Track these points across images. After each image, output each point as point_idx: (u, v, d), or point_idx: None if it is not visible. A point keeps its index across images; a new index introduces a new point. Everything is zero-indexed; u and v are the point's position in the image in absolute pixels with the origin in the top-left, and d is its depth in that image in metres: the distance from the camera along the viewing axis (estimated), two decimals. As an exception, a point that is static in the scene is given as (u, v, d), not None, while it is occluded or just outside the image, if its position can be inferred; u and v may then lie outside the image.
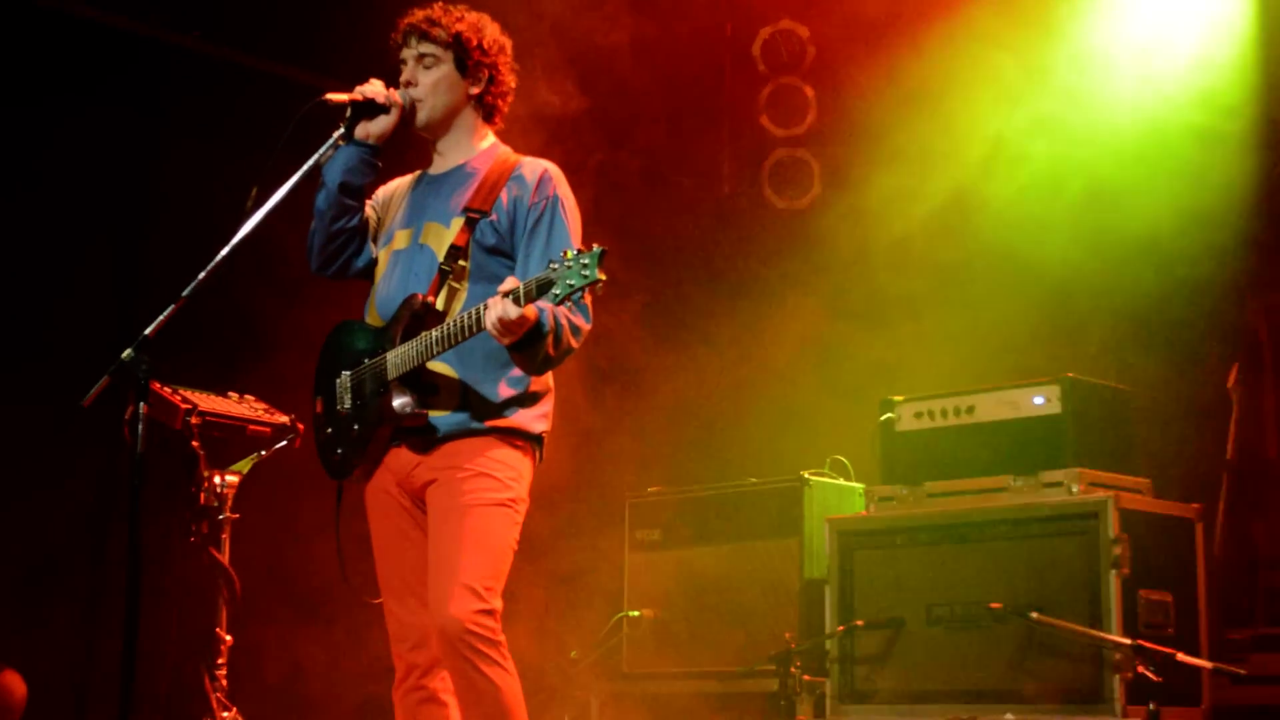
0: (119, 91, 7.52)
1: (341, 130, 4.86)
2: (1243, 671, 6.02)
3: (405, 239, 4.94)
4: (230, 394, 6.26)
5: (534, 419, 4.85)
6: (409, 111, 4.92)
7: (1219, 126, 8.02)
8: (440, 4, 4.99)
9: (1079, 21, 8.63)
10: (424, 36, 4.90)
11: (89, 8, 7.39)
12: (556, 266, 4.31)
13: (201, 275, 4.49)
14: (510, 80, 5.05)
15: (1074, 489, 6.52)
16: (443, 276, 4.78)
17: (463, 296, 4.78)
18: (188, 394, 5.99)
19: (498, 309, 4.42)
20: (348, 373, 4.88)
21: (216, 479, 5.93)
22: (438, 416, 4.75)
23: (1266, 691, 6.46)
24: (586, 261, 4.28)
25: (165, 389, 5.94)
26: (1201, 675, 6.37)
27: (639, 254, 8.60)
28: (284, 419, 6.18)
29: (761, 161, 9.75)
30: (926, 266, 8.86)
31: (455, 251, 4.79)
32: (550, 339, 4.61)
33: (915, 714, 6.62)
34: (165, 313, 4.43)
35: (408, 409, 4.72)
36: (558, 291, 4.31)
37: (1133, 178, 8.18)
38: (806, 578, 7.35)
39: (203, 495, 5.89)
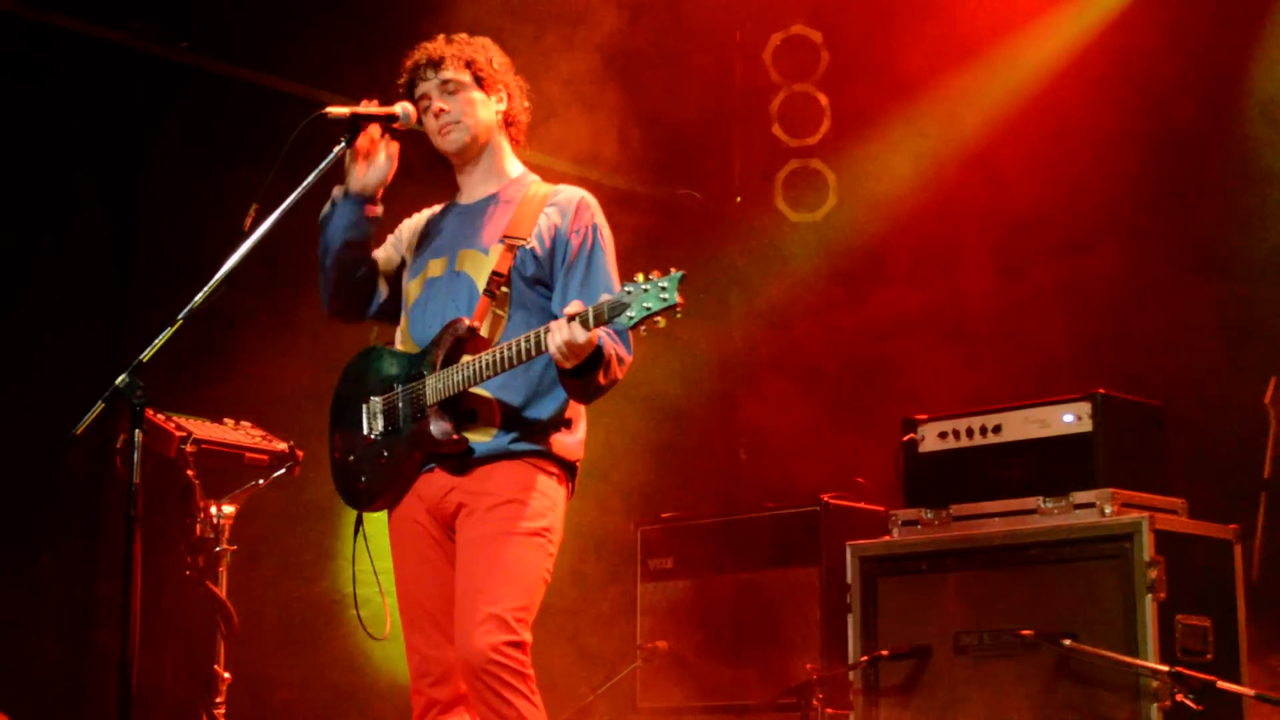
0: (108, 106, 7.53)
1: (344, 144, 4.89)
2: (1288, 699, 6.01)
3: (440, 267, 5.02)
4: (226, 420, 6.25)
5: (571, 446, 4.93)
6: (450, 139, 5.05)
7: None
8: (441, 35, 5.14)
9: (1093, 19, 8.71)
10: (439, 65, 5.05)
11: (77, 20, 7.40)
12: (632, 290, 4.37)
13: (199, 297, 4.49)
14: (523, 97, 5.21)
15: (1107, 510, 6.50)
16: (486, 303, 4.85)
17: (504, 324, 4.85)
18: (182, 421, 5.98)
19: (564, 332, 4.48)
20: (378, 398, 4.94)
21: (213, 509, 5.91)
22: (476, 442, 4.81)
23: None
24: (665, 285, 4.36)
25: (159, 416, 5.93)
26: (1243, 703, 6.36)
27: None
28: (283, 446, 6.17)
29: (774, 173, 9.76)
30: (947, 279, 8.88)
31: (497, 278, 4.87)
32: (603, 367, 4.68)
33: (943, 747, 6.61)
34: (162, 336, 4.42)
35: (448, 435, 4.76)
36: (633, 314, 4.37)
37: (1160, 185, 8.22)
38: (827, 606, 7.34)
39: (199, 527, 5.87)
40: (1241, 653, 6.58)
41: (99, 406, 4.41)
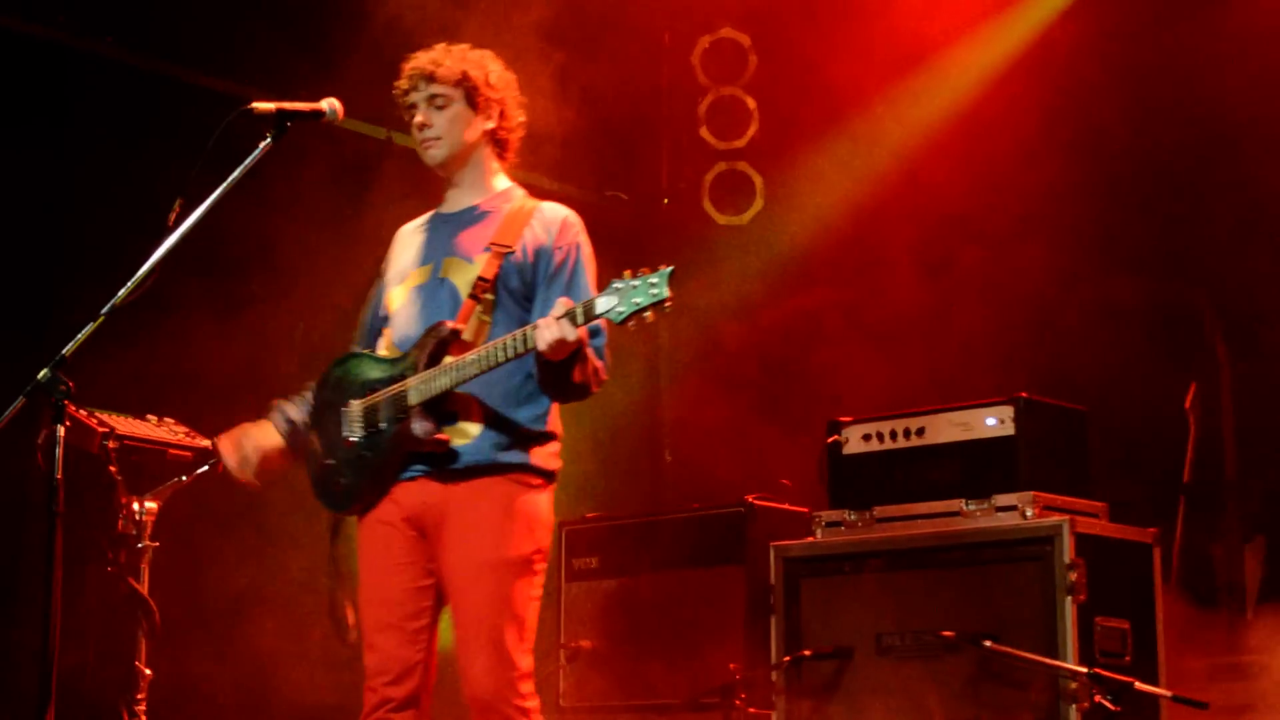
0: (32, 100, 7.46)
1: (269, 139, 4.85)
2: (1205, 702, 6.06)
3: (424, 275, 5.05)
4: (149, 417, 6.20)
5: (549, 457, 4.98)
6: (429, 154, 5.09)
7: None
8: (442, 45, 5.15)
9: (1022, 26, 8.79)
10: (432, 78, 5.05)
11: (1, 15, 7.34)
12: (620, 286, 4.44)
13: (122, 293, 4.46)
14: (519, 114, 5.22)
15: (1028, 513, 6.54)
16: (471, 306, 4.89)
17: (488, 330, 4.88)
18: (105, 417, 5.94)
19: (554, 330, 4.53)
20: (357, 402, 4.97)
21: (135, 505, 5.87)
22: (459, 445, 4.85)
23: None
24: (655, 281, 4.42)
25: (81, 411, 5.88)
26: (1160, 705, 6.41)
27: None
28: (206, 443, 6.13)
29: (701, 175, 9.77)
30: (873, 282, 8.92)
31: (483, 283, 4.90)
32: (579, 363, 4.74)
33: (864, 748, 6.64)
34: (84, 332, 4.39)
35: (430, 434, 4.79)
36: (622, 309, 4.43)
37: (1084, 190, 8.28)
38: (751, 607, 7.35)
39: (120, 522, 5.83)
40: (1159, 655, 6.63)
41: (20, 401, 4.38)
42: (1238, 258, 8.03)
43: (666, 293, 4.40)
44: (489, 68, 5.12)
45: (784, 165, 9.56)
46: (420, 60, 5.10)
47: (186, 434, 6.19)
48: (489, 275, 4.90)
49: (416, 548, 4.92)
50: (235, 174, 4.70)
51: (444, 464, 4.84)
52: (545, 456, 4.95)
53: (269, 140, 4.83)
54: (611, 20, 9.08)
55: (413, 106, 5.09)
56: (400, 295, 5.07)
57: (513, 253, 4.94)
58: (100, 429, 5.84)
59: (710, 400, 9.25)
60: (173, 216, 4.56)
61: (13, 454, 6.79)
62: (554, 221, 5.04)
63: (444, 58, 5.07)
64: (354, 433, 4.96)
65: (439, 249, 5.07)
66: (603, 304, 4.47)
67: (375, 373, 4.97)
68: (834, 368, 8.61)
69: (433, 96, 5.05)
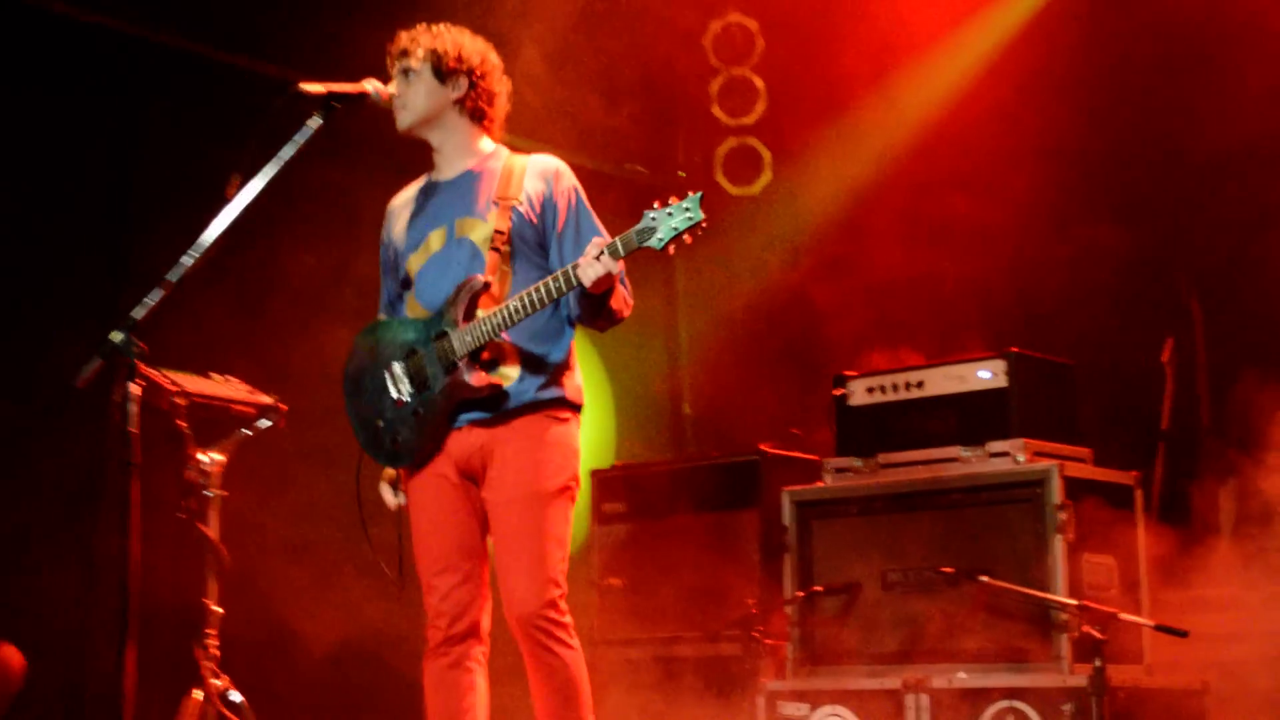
0: (102, 87, 7.47)
1: (318, 118, 4.85)
2: (1184, 631, 6.06)
3: (440, 238, 5.07)
4: (212, 375, 6.21)
5: (576, 390, 5.06)
6: (397, 119, 5.11)
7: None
8: (422, 24, 5.20)
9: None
10: (405, 54, 5.12)
11: (67, 5, 7.32)
12: (655, 216, 4.49)
13: (187, 261, 4.49)
14: (494, 85, 5.21)
15: (1020, 458, 6.57)
16: (495, 258, 4.93)
17: (509, 280, 4.94)
18: (174, 375, 5.94)
19: (597, 267, 4.58)
20: (400, 363, 4.99)
21: (203, 457, 5.89)
22: (505, 387, 4.91)
23: (1206, 651, 6.53)
24: (688, 205, 4.47)
25: (152, 371, 5.88)
26: (1143, 633, 6.42)
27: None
28: (267, 400, 6.14)
29: (714, 149, 9.79)
30: (873, 246, 8.92)
31: (500, 235, 4.94)
32: (614, 296, 4.83)
33: (872, 674, 6.65)
34: (153, 298, 4.42)
35: (484, 381, 4.83)
36: (662, 236, 4.49)
37: (1065, 151, 8.27)
38: (766, 547, 7.37)
39: (189, 473, 5.85)
40: (1142, 587, 6.65)
41: (98, 362, 4.40)
42: (1210, 215, 8.02)
43: (700, 215, 4.44)
44: (462, 44, 5.14)
45: (790, 140, 9.57)
46: (401, 38, 5.17)
47: (249, 391, 6.19)
48: (504, 228, 4.94)
49: (466, 494, 5.00)
50: (285, 151, 4.72)
51: (494, 408, 4.91)
52: (573, 390, 5.03)
53: (318, 120, 4.84)
54: (632, 8, 9.07)
55: (392, 80, 5.14)
56: (420, 260, 5.08)
57: (519, 204, 4.98)
58: (170, 387, 5.85)
59: (726, 357, 9.28)
60: (231, 190, 4.58)
61: (91, 411, 6.84)
62: (548, 171, 5.08)
63: (420, 34, 5.14)
64: (403, 392, 4.99)
65: (448, 211, 5.09)
66: (641, 235, 4.51)
67: (411, 334, 4.99)
68: (840, 325, 8.62)
69: (406, 70, 5.11)
